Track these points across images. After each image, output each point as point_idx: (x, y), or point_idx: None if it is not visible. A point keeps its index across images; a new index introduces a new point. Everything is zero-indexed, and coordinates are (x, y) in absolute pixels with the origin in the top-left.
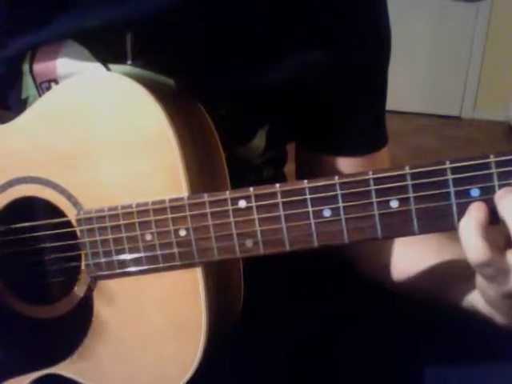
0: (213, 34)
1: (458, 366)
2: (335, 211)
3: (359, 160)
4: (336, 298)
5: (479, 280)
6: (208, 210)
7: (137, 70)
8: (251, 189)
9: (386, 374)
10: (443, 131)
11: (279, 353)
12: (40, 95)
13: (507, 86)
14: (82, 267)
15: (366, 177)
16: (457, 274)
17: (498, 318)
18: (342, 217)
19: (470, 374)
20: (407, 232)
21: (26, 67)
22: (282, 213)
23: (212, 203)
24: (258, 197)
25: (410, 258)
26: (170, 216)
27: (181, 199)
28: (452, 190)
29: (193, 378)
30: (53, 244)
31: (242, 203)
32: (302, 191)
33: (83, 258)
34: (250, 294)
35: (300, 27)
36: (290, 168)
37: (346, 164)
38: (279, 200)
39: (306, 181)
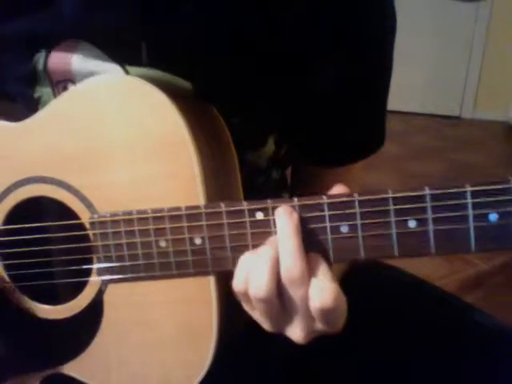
0: (225, 44)
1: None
2: (353, 228)
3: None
4: None
5: None
6: (225, 221)
7: (154, 72)
8: (269, 201)
9: (389, 379)
10: (443, 131)
11: (280, 359)
12: (55, 94)
13: (507, 86)
14: (94, 270)
15: (386, 196)
16: None
17: None
18: (360, 234)
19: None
20: (424, 252)
21: (40, 66)
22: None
23: (229, 213)
24: (275, 210)
25: None
26: (185, 224)
27: (197, 207)
28: (471, 213)
29: None
30: (64, 246)
31: (260, 215)
32: (320, 207)
33: (95, 260)
34: None
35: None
36: None
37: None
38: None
39: (324, 196)
